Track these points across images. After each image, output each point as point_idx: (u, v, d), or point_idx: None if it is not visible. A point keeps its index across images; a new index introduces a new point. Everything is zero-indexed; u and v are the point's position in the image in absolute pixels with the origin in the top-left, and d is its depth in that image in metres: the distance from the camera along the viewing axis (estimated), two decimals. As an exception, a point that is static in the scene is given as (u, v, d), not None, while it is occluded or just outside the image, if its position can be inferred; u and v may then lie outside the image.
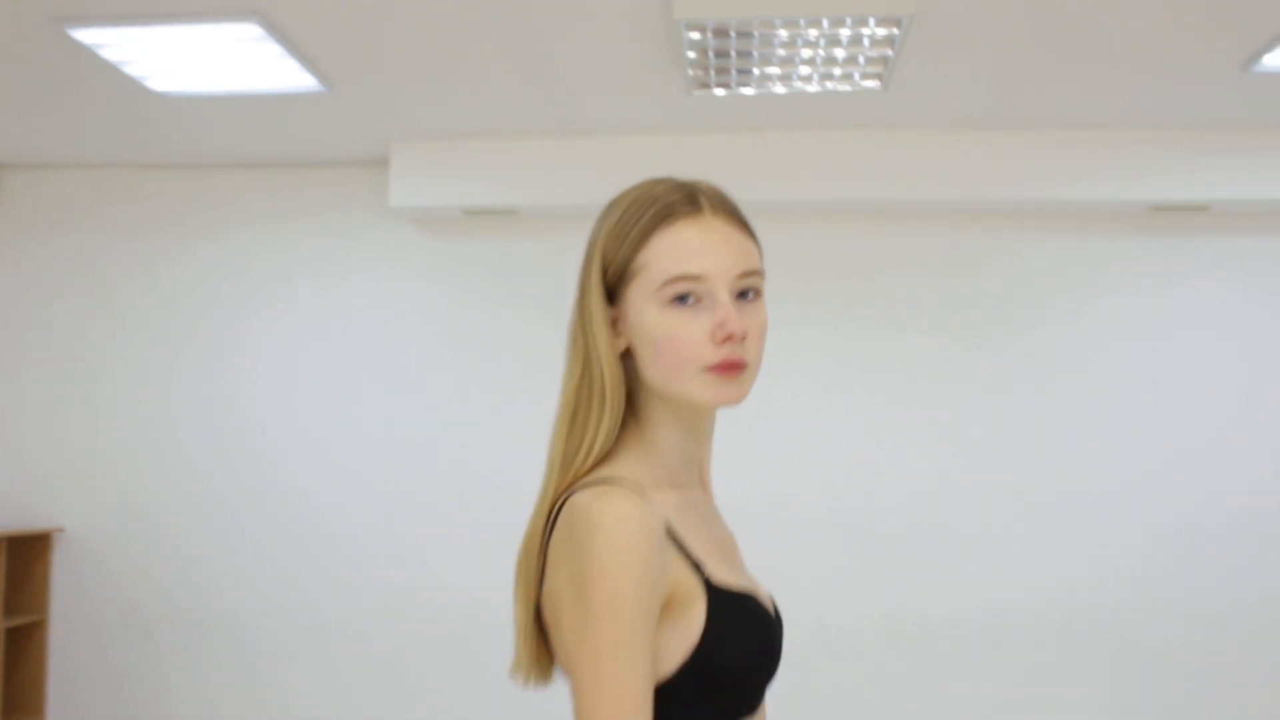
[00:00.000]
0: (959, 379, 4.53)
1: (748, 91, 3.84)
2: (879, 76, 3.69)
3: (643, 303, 1.42)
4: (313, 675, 4.69)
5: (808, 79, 3.73)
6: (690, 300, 1.39)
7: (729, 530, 1.58)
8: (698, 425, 1.49)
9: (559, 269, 4.68)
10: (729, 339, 1.37)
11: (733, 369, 1.38)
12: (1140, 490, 4.47)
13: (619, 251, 1.44)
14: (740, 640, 1.38)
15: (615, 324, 1.45)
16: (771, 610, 1.47)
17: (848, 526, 4.53)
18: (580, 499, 1.35)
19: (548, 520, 1.40)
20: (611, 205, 1.47)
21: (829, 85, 3.78)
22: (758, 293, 1.44)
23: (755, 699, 1.42)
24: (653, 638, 1.31)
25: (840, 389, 4.60)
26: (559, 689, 1.42)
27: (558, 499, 1.41)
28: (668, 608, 1.34)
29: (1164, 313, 4.53)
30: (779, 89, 3.83)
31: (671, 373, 1.41)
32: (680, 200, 1.44)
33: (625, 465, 1.43)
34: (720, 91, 3.83)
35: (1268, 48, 3.45)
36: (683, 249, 1.40)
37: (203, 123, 4.29)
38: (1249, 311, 4.52)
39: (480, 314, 4.68)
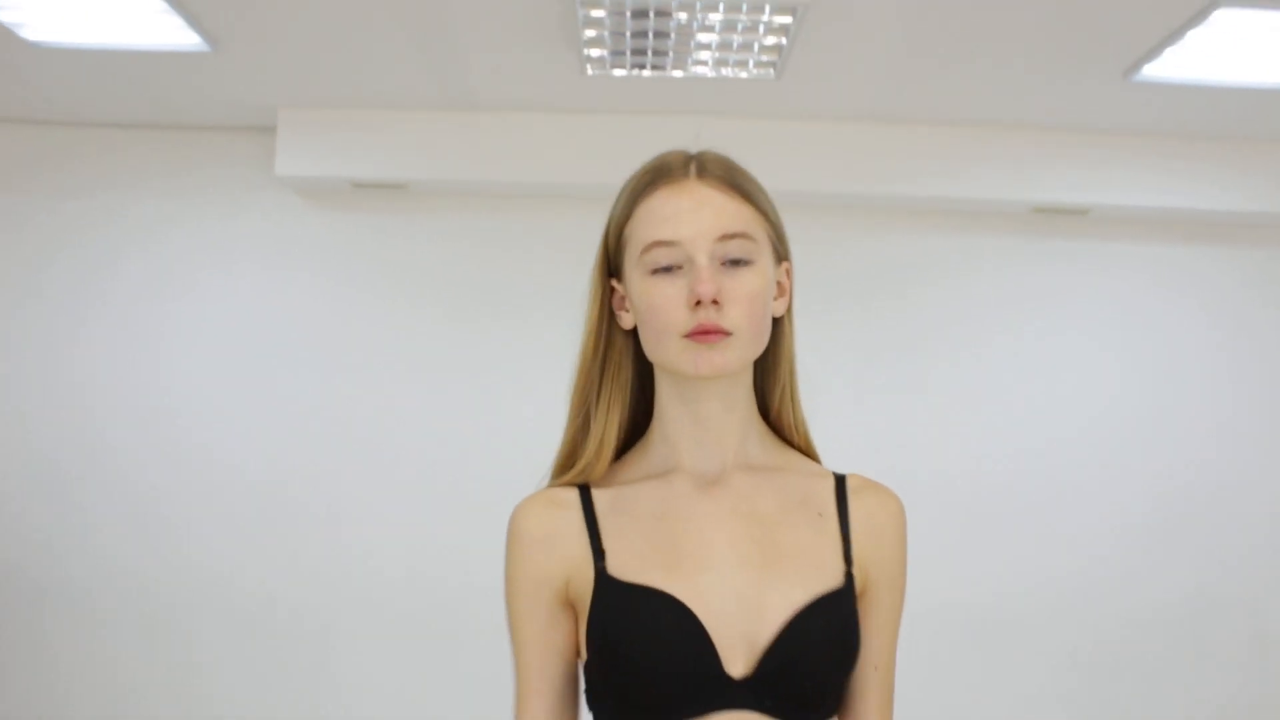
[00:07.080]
0: (839, 372, 4.50)
1: (644, 74, 3.82)
2: (773, 65, 3.70)
3: (632, 273, 1.40)
4: (154, 656, 4.51)
5: (704, 63, 3.72)
6: (671, 268, 1.36)
7: (769, 516, 1.42)
8: (699, 399, 1.41)
9: (447, 246, 4.70)
10: (699, 304, 1.33)
11: (708, 335, 1.33)
12: (1022, 495, 4.54)
13: (612, 225, 1.44)
14: (635, 634, 1.32)
15: (625, 300, 1.43)
16: (706, 613, 1.32)
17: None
18: None
19: None
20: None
21: (724, 71, 3.78)
22: (749, 258, 1.38)
23: (676, 702, 1.31)
24: (544, 628, 1.38)
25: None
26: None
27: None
28: (572, 598, 1.39)
29: (1043, 313, 4.62)
30: (675, 73, 3.81)
31: (655, 342, 1.38)
32: (663, 168, 1.43)
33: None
34: (618, 73, 3.81)
35: (1148, 58, 3.54)
36: (658, 215, 1.38)
37: (81, 77, 4.10)
38: (1127, 314, 4.63)
39: (366, 289, 4.54)
